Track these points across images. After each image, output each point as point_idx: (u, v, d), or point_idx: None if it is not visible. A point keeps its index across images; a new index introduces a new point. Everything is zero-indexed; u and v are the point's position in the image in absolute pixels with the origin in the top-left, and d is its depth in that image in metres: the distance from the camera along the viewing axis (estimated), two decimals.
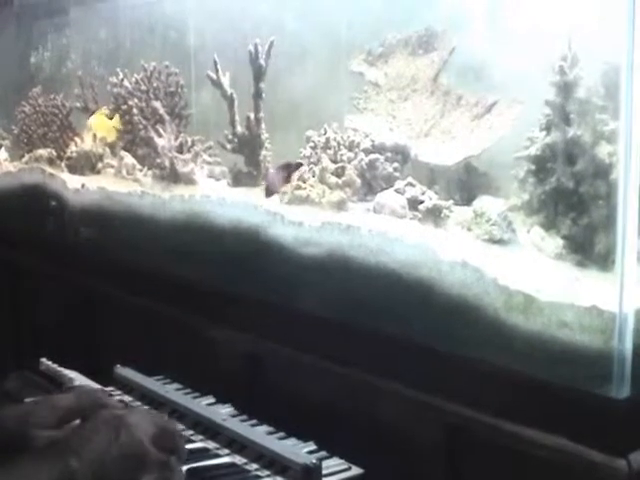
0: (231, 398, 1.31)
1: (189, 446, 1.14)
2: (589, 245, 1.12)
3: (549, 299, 1.04)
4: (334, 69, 1.66)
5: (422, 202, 1.35)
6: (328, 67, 1.66)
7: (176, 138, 1.81)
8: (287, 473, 1.06)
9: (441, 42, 1.56)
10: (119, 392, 1.35)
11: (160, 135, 1.79)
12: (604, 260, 1.09)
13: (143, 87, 1.96)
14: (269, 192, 1.56)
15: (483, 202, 1.34)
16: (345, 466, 1.10)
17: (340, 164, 1.52)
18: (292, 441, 1.16)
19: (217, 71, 1.71)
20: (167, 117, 1.85)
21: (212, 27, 1.82)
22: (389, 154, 1.51)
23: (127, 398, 1.33)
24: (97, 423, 0.85)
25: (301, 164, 1.55)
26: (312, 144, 1.62)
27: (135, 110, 1.94)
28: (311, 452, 1.12)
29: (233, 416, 1.24)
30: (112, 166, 2.02)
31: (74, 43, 2.32)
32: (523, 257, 1.18)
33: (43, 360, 1.46)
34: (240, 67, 1.69)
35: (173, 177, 1.77)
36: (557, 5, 1.24)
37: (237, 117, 1.72)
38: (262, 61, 1.63)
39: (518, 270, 1.13)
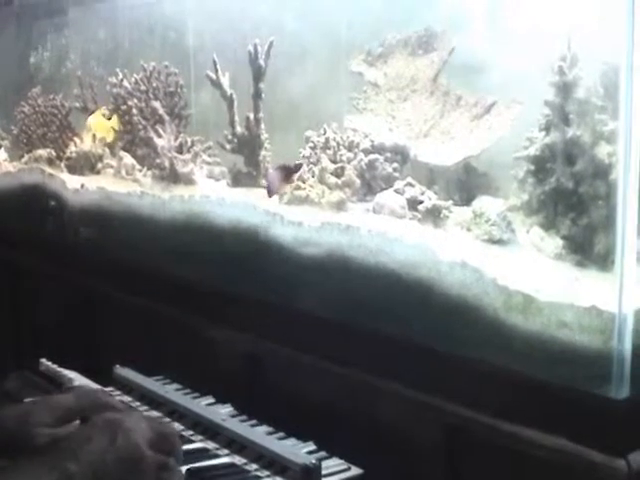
0: (231, 398, 1.31)
1: (189, 446, 1.14)
2: (588, 245, 1.12)
3: (548, 299, 1.04)
4: (333, 69, 1.66)
5: (421, 202, 1.35)
6: (327, 67, 1.66)
7: (176, 138, 1.81)
8: (287, 473, 1.06)
9: (441, 42, 1.56)
10: (118, 392, 1.35)
11: (160, 135, 1.79)
12: (603, 260, 1.09)
13: (142, 87, 1.96)
14: (270, 192, 1.55)
15: (482, 202, 1.34)
16: (344, 466, 1.10)
17: (339, 164, 1.52)
18: (292, 441, 1.16)
19: (217, 71, 1.71)
20: (167, 117, 1.85)
21: (211, 27, 1.82)
22: (388, 154, 1.51)
23: (126, 398, 1.33)
24: (94, 426, 0.85)
25: (301, 165, 1.55)
26: (311, 144, 1.62)
27: (134, 110, 1.94)
28: (310, 452, 1.12)
29: (233, 416, 1.24)
30: (111, 166, 2.02)
31: (73, 43, 2.32)
32: (522, 257, 1.18)
33: (43, 360, 1.46)
34: (240, 67, 1.68)
35: (173, 177, 1.77)
36: (556, 5, 1.24)
37: (237, 117, 1.72)
38: (261, 61, 1.63)
39: (517, 270, 1.13)
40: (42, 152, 2.24)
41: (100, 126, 2.07)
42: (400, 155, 1.51)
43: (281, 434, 1.18)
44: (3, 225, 2.22)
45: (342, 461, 1.11)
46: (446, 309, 1.14)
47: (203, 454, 1.14)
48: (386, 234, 1.24)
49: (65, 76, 2.34)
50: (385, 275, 1.22)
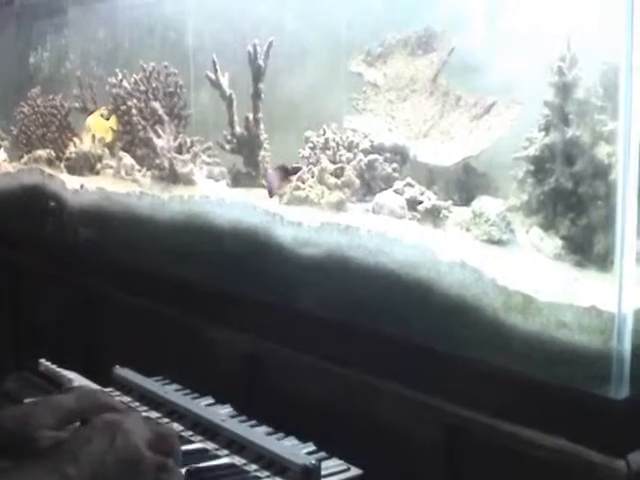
0: (230, 398, 1.31)
1: (188, 447, 1.14)
2: (588, 245, 1.12)
3: (548, 299, 1.04)
4: (333, 69, 1.66)
5: (421, 202, 1.35)
6: (327, 67, 1.66)
7: (175, 139, 1.81)
8: (286, 474, 1.06)
9: (440, 42, 1.56)
10: (118, 393, 1.35)
11: (159, 136, 1.79)
12: (603, 260, 1.09)
13: (142, 87, 1.96)
14: (271, 192, 1.55)
15: (482, 202, 1.34)
16: (344, 467, 1.10)
17: (339, 165, 1.52)
18: (291, 442, 1.16)
19: (216, 71, 1.71)
20: (166, 117, 1.85)
21: (211, 27, 1.82)
22: (388, 154, 1.51)
23: (126, 399, 1.33)
24: (94, 428, 0.85)
25: (300, 169, 1.54)
26: (311, 144, 1.62)
27: (134, 110, 1.94)
28: (310, 453, 1.12)
29: (232, 417, 1.24)
30: (111, 167, 2.02)
31: (73, 43, 2.32)
32: (522, 257, 1.18)
33: (42, 361, 1.46)
34: (239, 67, 1.68)
35: (172, 178, 1.77)
36: (556, 6, 1.24)
37: (236, 117, 1.72)
38: (261, 61, 1.63)
39: (517, 270, 1.13)
40: (42, 152, 2.24)
41: (98, 126, 2.07)
42: (399, 155, 1.51)
43: (281, 434, 1.18)
44: (3, 225, 2.22)
45: (342, 461, 1.11)
46: (445, 309, 1.14)
47: (203, 455, 1.14)
48: (385, 234, 1.24)
49: (65, 76, 2.34)
50: (385, 275, 1.22)
